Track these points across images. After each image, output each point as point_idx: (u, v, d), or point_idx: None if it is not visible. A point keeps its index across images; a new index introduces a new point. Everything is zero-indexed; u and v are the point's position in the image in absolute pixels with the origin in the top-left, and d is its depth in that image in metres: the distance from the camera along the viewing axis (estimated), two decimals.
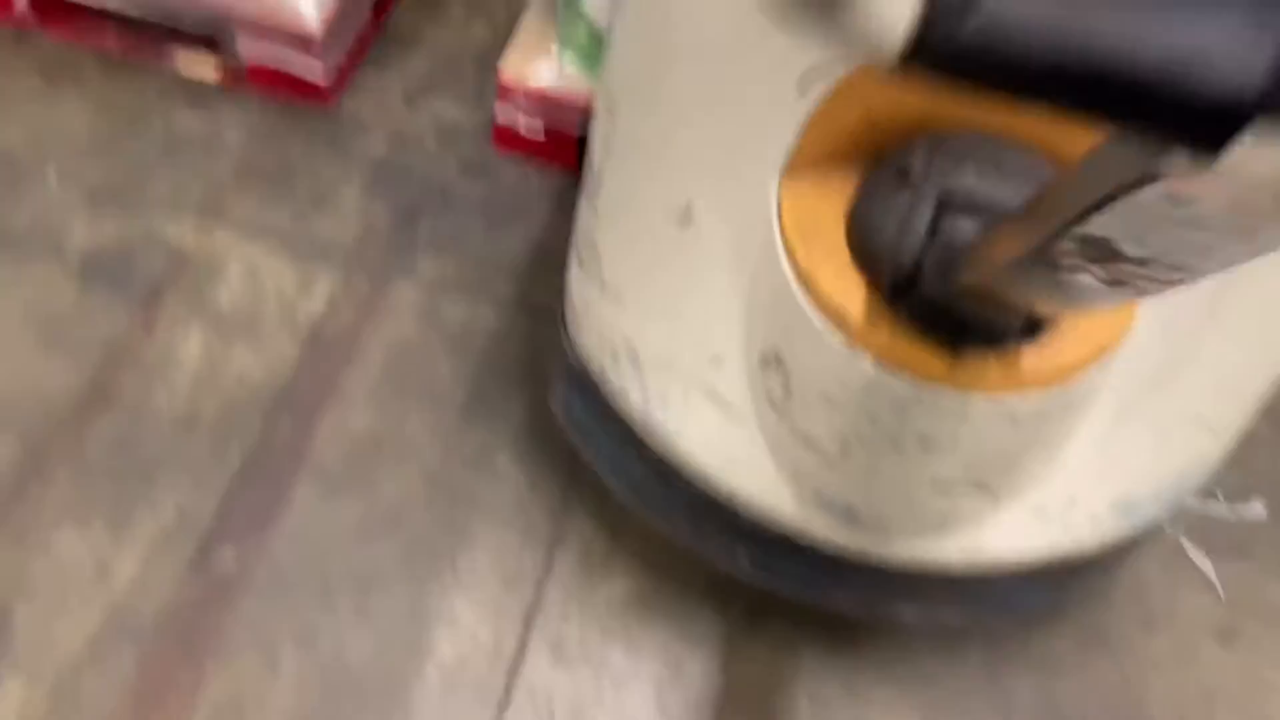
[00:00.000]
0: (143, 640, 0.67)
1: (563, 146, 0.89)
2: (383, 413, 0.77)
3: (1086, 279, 0.32)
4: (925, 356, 0.48)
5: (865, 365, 0.49)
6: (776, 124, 0.49)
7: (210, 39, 0.92)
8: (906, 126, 0.50)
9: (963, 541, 0.57)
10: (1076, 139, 0.46)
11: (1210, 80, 0.23)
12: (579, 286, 0.63)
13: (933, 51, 0.24)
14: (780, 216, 0.50)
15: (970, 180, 0.47)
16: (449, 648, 0.69)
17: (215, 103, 0.92)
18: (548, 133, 0.89)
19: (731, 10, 0.47)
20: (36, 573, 0.69)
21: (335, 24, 0.90)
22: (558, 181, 0.90)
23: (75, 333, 0.79)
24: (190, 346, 0.79)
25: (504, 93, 0.88)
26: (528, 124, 0.89)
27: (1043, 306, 0.43)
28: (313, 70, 0.91)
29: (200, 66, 0.93)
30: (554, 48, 0.87)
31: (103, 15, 0.92)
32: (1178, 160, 0.24)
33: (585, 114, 0.86)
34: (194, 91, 0.92)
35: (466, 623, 0.70)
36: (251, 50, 0.90)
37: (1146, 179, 0.25)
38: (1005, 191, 0.46)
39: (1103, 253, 0.30)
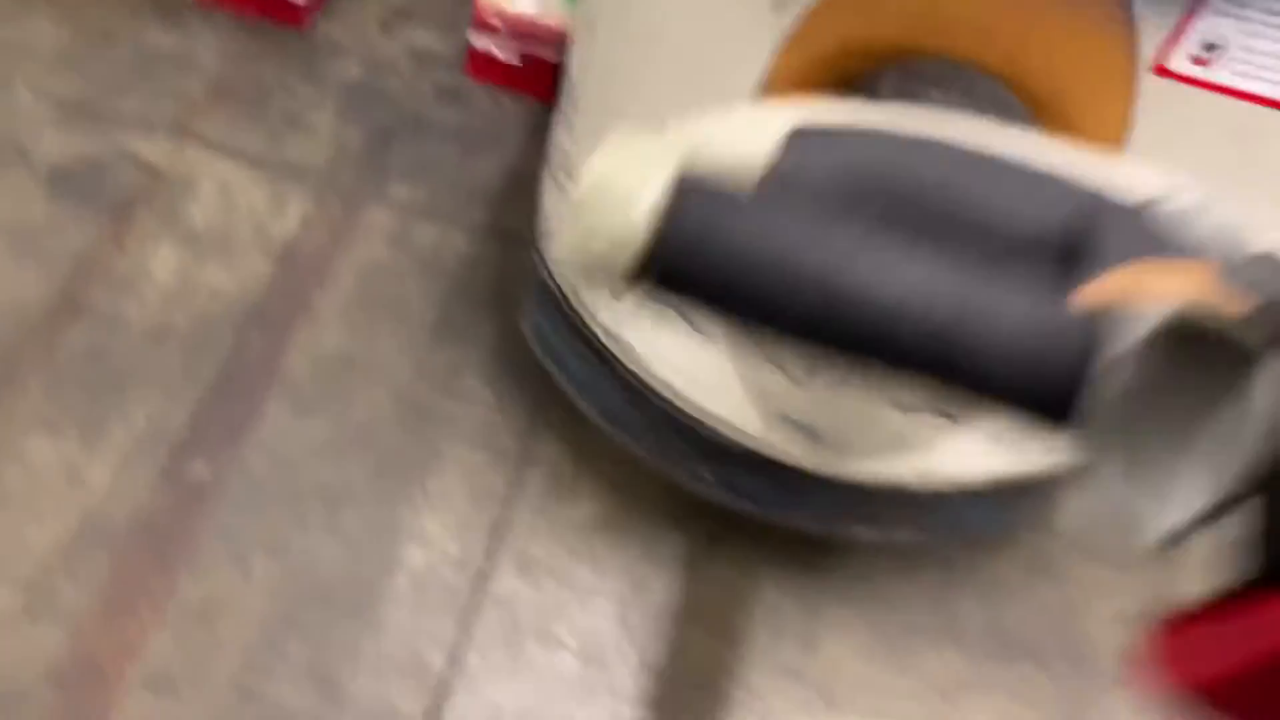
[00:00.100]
0: (115, 546, 0.68)
1: (538, 74, 0.89)
2: (353, 333, 0.78)
3: None
4: None
5: None
6: (752, 43, 0.50)
7: None
8: (880, 54, 0.51)
9: (919, 462, 0.59)
10: (1041, 68, 0.48)
11: None
12: (555, 207, 0.64)
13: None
14: None
15: (937, 105, 0.48)
16: (419, 560, 0.70)
17: (188, 21, 0.91)
18: (523, 60, 0.89)
19: None
20: (8, 479, 0.70)
21: None
22: (532, 110, 0.91)
23: (45, 243, 0.78)
24: (162, 261, 0.79)
25: (480, 19, 0.88)
26: (503, 50, 0.89)
27: None
28: None
29: None
30: None
31: None
32: None
33: (561, 41, 0.86)
34: (167, 8, 0.92)
35: (435, 537, 0.71)
36: None
37: None
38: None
39: None
